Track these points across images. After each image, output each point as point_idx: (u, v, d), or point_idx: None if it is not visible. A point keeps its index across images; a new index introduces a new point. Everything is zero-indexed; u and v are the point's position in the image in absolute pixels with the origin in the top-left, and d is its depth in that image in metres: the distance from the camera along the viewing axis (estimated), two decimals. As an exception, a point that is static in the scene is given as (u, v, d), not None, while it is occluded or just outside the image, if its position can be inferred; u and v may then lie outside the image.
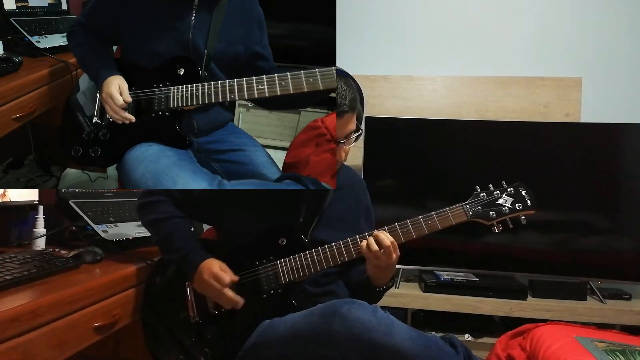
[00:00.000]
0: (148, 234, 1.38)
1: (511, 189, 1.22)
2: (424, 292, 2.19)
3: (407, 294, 2.17)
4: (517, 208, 1.20)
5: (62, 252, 1.37)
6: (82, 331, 1.11)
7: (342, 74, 1.21)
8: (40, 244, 1.44)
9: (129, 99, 1.27)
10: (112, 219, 1.56)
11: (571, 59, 2.44)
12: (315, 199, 1.32)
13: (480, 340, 2.12)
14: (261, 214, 1.30)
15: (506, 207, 1.20)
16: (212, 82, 1.23)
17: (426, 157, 2.36)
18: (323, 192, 1.33)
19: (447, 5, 2.54)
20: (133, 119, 1.26)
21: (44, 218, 1.45)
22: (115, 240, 1.45)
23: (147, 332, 1.31)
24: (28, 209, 1.49)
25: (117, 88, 1.27)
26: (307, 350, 1.11)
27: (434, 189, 2.30)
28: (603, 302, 2.14)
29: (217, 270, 1.20)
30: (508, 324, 2.04)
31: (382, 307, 1.12)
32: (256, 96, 1.18)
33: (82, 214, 1.50)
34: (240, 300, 1.20)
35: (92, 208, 1.56)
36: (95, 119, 1.34)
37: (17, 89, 1.43)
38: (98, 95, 1.33)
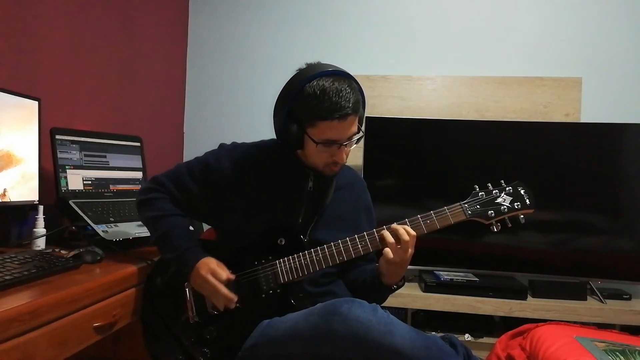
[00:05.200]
0: (148, 234, 1.38)
1: (510, 188, 1.22)
2: (424, 292, 2.19)
3: (407, 294, 2.17)
4: (516, 207, 1.20)
5: (62, 252, 1.37)
6: (82, 331, 1.11)
7: (345, 76, 1.21)
8: (40, 244, 1.44)
9: (232, 276, 1.22)
10: (112, 219, 1.56)
11: (571, 59, 2.44)
12: (314, 199, 1.32)
13: (480, 340, 2.12)
14: (260, 214, 1.31)
15: (505, 206, 1.20)
16: (319, 248, 1.22)
17: (426, 157, 2.36)
18: (322, 192, 1.33)
19: (448, 5, 2.54)
20: (235, 298, 1.19)
21: (44, 218, 1.45)
22: (115, 240, 1.45)
23: (146, 332, 1.31)
24: (28, 209, 1.49)
25: (216, 265, 1.22)
26: (307, 349, 1.11)
27: (434, 188, 2.30)
28: (603, 302, 2.13)
29: (214, 266, 1.21)
30: (508, 324, 2.05)
31: (382, 307, 1.13)
32: (362, 253, 1.21)
33: (82, 214, 1.50)
34: (234, 297, 1.20)
35: (92, 208, 1.56)
36: (193, 318, 1.25)
37: (101, 287, 1.19)
38: (189, 291, 1.25)
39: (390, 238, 1.17)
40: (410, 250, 1.17)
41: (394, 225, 1.18)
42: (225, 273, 1.21)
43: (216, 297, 1.20)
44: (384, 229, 1.20)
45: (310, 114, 1.18)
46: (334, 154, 1.23)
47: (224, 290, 1.19)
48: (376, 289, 1.29)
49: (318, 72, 1.19)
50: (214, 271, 1.20)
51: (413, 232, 1.17)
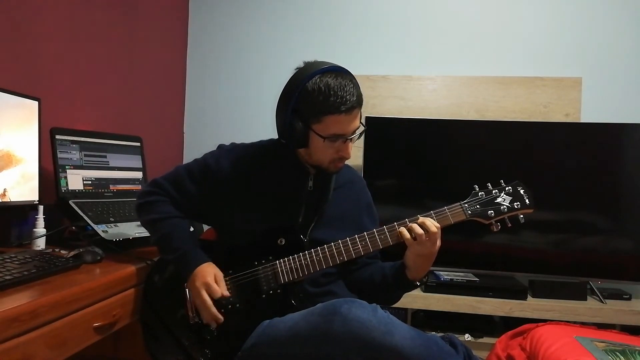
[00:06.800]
0: (148, 234, 1.38)
1: (509, 187, 1.22)
2: (424, 292, 2.19)
3: (407, 294, 2.16)
4: (516, 207, 1.20)
5: (62, 252, 1.37)
6: (82, 331, 1.11)
7: (345, 72, 1.23)
8: (40, 244, 1.44)
9: (227, 294, 1.21)
10: (112, 219, 1.56)
11: (571, 59, 2.44)
12: (314, 198, 1.32)
13: (480, 340, 2.12)
14: (260, 214, 1.31)
15: (504, 206, 1.20)
16: (319, 248, 1.22)
17: (426, 157, 2.36)
18: (322, 192, 1.33)
19: (448, 5, 2.54)
20: (221, 319, 1.19)
21: (44, 218, 1.45)
22: (115, 240, 1.45)
23: (146, 333, 1.31)
24: (28, 209, 1.49)
25: (213, 277, 1.21)
26: (307, 349, 1.11)
27: (434, 189, 2.30)
28: (603, 302, 2.14)
29: (210, 280, 1.20)
30: (508, 324, 2.05)
31: (382, 307, 1.13)
32: (362, 254, 1.21)
33: (82, 214, 1.50)
34: (219, 320, 1.20)
35: (92, 208, 1.56)
36: (193, 319, 1.24)
37: (101, 287, 1.19)
38: (188, 291, 1.24)
39: (419, 230, 1.16)
40: (439, 242, 1.17)
41: (414, 222, 1.18)
42: (220, 290, 1.20)
43: (204, 313, 1.21)
44: (394, 226, 1.20)
45: (316, 109, 1.19)
46: (340, 149, 1.23)
47: (212, 310, 1.19)
48: (399, 285, 1.29)
49: (319, 69, 1.20)
50: (209, 286, 1.19)
51: (438, 224, 1.17)
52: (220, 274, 1.23)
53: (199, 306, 1.21)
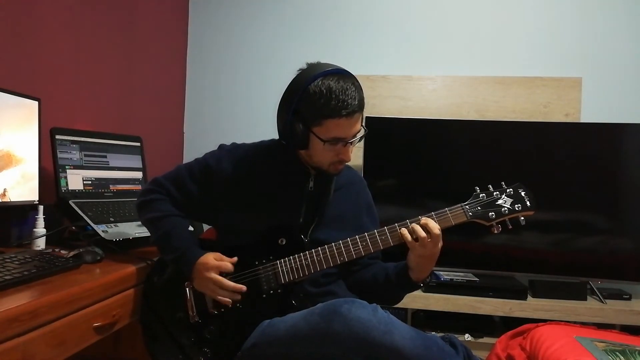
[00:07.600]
0: (148, 234, 1.38)
1: (510, 189, 1.22)
2: (424, 292, 2.19)
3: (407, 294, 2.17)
4: (517, 209, 1.20)
5: (62, 252, 1.37)
6: (82, 331, 1.11)
7: (348, 74, 1.22)
8: (40, 244, 1.44)
9: (234, 261, 1.22)
10: (112, 219, 1.56)
11: (571, 59, 2.44)
12: (315, 199, 1.32)
13: (480, 340, 2.12)
14: (261, 214, 1.31)
15: (505, 208, 1.20)
16: (320, 248, 1.22)
17: (426, 157, 2.36)
18: (322, 192, 1.33)
19: (448, 6, 2.54)
20: (244, 287, 1.20)
21: (44, 218, 1.45)
22: (115, 240, 1.45)
23: (146, 332, 1.31)
24: (28, 209, 1.48)
25: (213, 259, 1.22)
26: (307, 349, 1.11)
27: (434, 189, 2.30)
28: (603, 302, 2.14)
29: (216, 263, 1.21)
30: (508, 324, 2.04)
31: (382, 307, 1.13)
32: (363, 254, 1.22)
33: (82, 214, 1.50)
34: (242, 289, 1.20)
35: (92, 208, 1.56)
36: (193, 318, 1.25)
37: (101, 287, 1.19)
38: (189, 290, 1.25)
39: (422, 233, 1.16)
40: (440, 243, 1.17)
41: (416, 224, 1.18)
42: (228, 264, 1.22)
43: (223, 293, 1.20)
44: (395, 226, 1.20)
45: (317, 112, 1.18)
46: (340, 152, 1.23)
47: (230, 284, 1.19)
48: (403, 286, 1.29)
49: (322, 72, 1.19)
50: (218, 266, 1.21)
51: (439, 226, 1.17)
52: (218, 254, 1.24)
53: (215, 291, 1.21)
